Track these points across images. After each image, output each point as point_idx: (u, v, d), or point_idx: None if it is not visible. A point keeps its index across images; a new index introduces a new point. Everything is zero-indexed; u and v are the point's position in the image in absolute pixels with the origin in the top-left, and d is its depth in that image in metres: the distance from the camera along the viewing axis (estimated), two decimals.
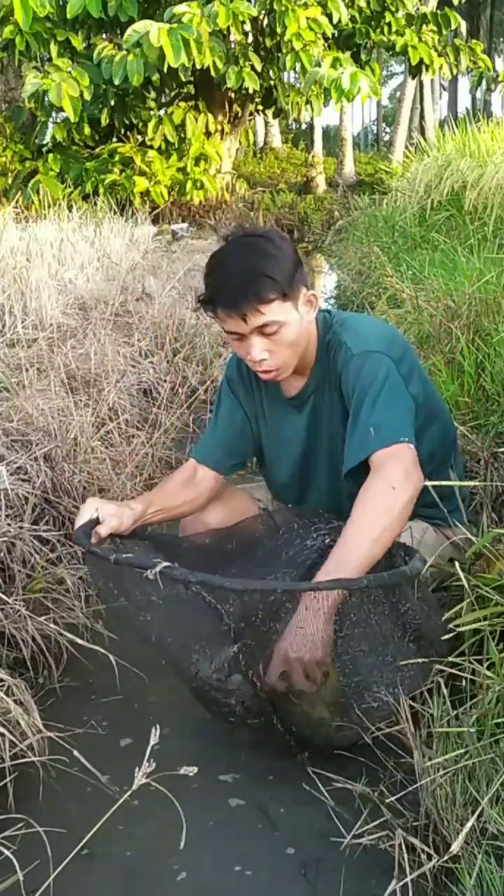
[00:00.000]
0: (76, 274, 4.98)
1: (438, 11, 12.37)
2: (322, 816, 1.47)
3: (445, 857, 1.28)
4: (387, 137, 28.96)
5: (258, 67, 10.19)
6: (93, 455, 2.63)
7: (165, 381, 3.59)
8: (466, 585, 1.46)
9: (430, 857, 1.29)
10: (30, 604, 1.96)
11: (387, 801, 1.40)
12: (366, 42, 12.04)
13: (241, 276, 1.58)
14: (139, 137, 10.82)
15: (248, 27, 10.08)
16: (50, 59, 9.47)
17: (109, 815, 1.20)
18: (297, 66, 9.83)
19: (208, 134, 11.25)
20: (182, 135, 10.94)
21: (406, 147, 13.27)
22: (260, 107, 12.77)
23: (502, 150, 6.25)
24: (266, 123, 21.98)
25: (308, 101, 11.43)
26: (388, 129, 30.50)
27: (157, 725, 1.12)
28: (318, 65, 9.75)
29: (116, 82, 9.12)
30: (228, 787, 1.61)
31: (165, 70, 9.04)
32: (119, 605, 1.60)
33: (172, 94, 11.67)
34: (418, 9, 12.21)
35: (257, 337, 1.62)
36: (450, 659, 1.45)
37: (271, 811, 1.53)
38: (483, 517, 1.88)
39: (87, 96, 9.28)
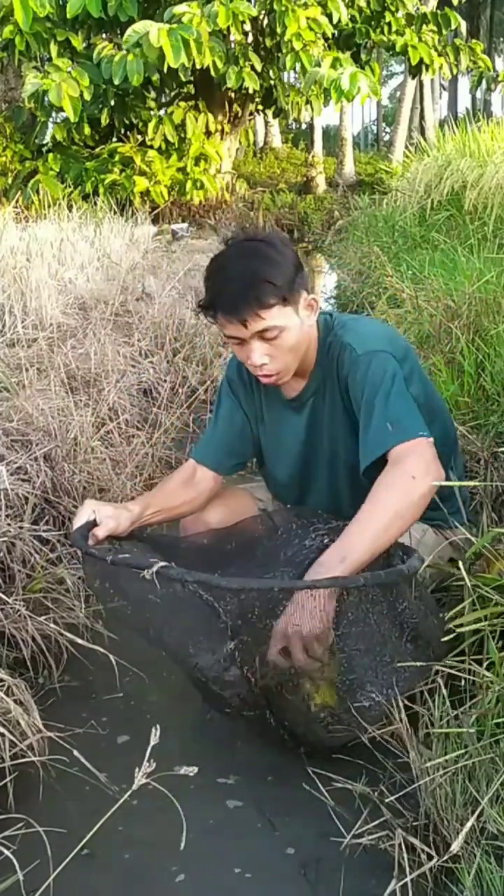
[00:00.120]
0: (76, 274, 4.98)
1: (438, 11, 12.36)
2: (322, 816, 1.47)
3: (445, 857, 1.28)
4: (387, 137, 28.96)
5: (258, 67, 10.19)
6: (93, 455, 2.63)
7: (165, 381, 3.59)
8: (467, 585, 1.46)
9: (429, 857, 1.30)
10: (30, 604, 1.96)
11: (387, 801, 1.40)
12: (366, 42, 12.04)
13: (241, 280, 1.58)
14: (139, 137, 10.82)
15: (248, 27, 10.07)
16: (50, 59, 9.47)
17: (109, 815, 1.20)
18: (297, 66, 9.83)
19: (208, 134, 11.25)
20: (182, 135, 10.94)
21: (406, 147, 13.27)
22: (260, 107, 12.77)
23: (502, 150, 6.26)
24: (266, 123, 21.98)
25: (308, 101, 11.43)
26: (388, 129, 30.51)
27: (157, 725, 1.12)
28: (319, 65, 9.75)
29: (116, 82, 9.12)
30: (228, 787, 1.61)
31: (165, 70, 9.04)
32: (117, 604, 1.60)
33: (172, 93, 11.67)
34: (418, 9, 12.20)
35: (258, 342, 1.62)
36: (450, 660, 1.45)
37: (271, 811, 1.53)
38: (483, 517, 1.88)
39: (87, 96, 9.28)
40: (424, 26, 11.95)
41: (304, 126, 24.11)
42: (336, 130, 18.65)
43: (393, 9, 11.56)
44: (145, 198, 9.99)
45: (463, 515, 1.79)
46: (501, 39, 36.44)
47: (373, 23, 11.71)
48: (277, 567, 1.75)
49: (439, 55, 12.06)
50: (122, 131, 11.06)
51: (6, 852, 1.31)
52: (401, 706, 1.41)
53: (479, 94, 26.07)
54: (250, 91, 10.34)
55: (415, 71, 12.35)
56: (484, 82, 13.13)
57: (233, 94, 11.19)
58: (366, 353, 1.65)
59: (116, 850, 1.46)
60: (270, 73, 11.39)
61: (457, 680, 1.45)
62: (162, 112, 11.29)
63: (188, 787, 1.50)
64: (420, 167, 7.24)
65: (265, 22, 10.39)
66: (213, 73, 9.63)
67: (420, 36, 11.82)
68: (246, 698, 1.53)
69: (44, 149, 10.82)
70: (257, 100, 12.01)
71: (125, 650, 1.90)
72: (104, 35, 10.47)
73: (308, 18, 9.69)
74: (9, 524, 2.09)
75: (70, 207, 7.40)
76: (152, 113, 11.02)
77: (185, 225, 9.56)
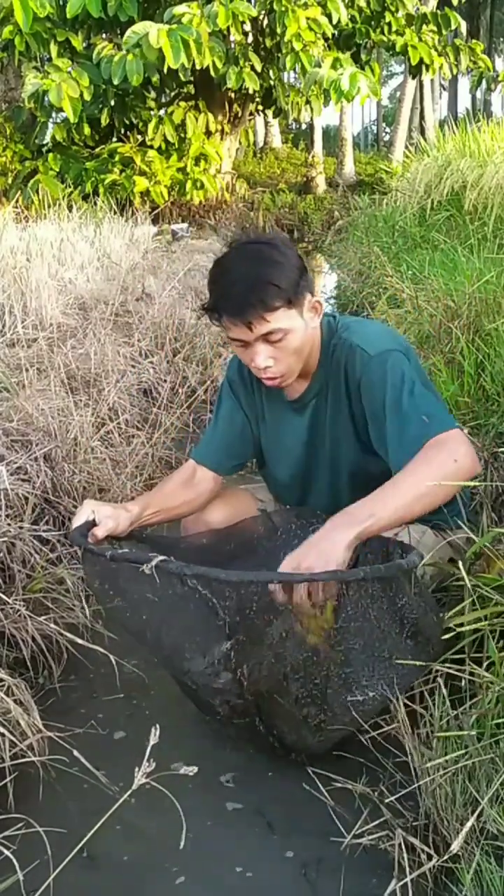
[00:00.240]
0: (76, 274, 4.98)
1: (438, 11, 12.37)
2: (322, 816, 1.47)
3: (445, 857, 1.28)
4: (387, 137, 28.97)
5: (258, 67, 10.19)
6: (93, 455, 2.63)
7: (165, 381, 3.60)
8: (467, 585, 1.46)
9: (429, 857, 1.30)
10: (30, 604, 1.96)
11: (387, 801, 1.40)
12: (366, 42, 12.05)
13: (246, 283, 1.58)
14: (139, 137, 10.82)
15: (247, 27, 10.08)
16: (50, 60, 9.47)
17: (109, 815, 1.20)
18: (297, 66, 9.83)
19: (208, 134, 11.25)
20: (182, 135, 10.94)
21: (406, 147, 13.28)
22: (260, 107, 12.78)
23: (502, 150, 6.26)
24: (266, 123, 21.99)
25: (308, 102, 11.44)
26: (388, 129, 30.51)
27: (157, 725, 1.12)
28: (319, 65, 9.75)
29: (116, 82, 9.12)
30: (228, 787, 1.61)
31: (165, 70, 9.04)
32: (116, 605, 1.60)
33: (172, 94, 11.67)
34: (418, 9, 12.21)
35: (262, 344, 1.62)
36: (449, 660, 1.45)
37: (271, 811, 1.53)
38: (483, 517, 1.88)
39: (87, 96, 9.28)
40: (424, 26, 11.95)
41: (304, 126, 24.11)
42: (336, 130, 18.65)
43: (393, 9, 11.57)
44: (145, 198, 9.99)
45: (463, 516, 1.79)
46: (501, 39, 36.45)
47: (373, 23, 11.72)
48: (276, 568, 1.75)
49: (439, 55, 12.07)
50: (122, 131, 11.06)
51: (6, 852, 1.31)
52: (401, 706, 1.41)
53: (479, 94, 26.10)
54: (250, 91, 10.34)
55: (415, 71, 12.36)
56: (484, 82, 13.14)
57: (233, 95, 11.19)
58: (378, 353, 1.65)
59: (116, 850, 1.46)
60: (270, 73, 11.40)
61: (457, 680, 1.45)
62: (162, 112, 11.29)
63: (188, 786, 1.50)
64: (420, 167, 7.24)
65: (265, 22, 10.39)
66: (213, 73, 9.63)
67: (420, 36, 11.82)
68: (235, 706, 1.53)
69: (44, 149, 10.82)
70: (257, 100, 12.01)
71: (125, 650, 1.90)
72: (104, 35, 10.47)
73: (308, 19, 9.69)
74: (9, 524, 2.09)
75: (70, 207, 7.40)
76: (152, 113, 11.03)
77: (185, 225, 9.56)
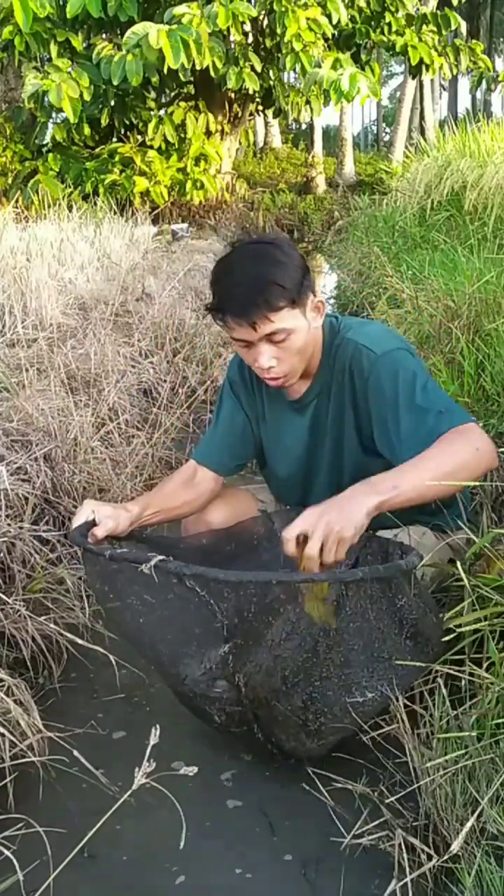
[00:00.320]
0: (76, 274, 4.98)
1: (438, 12, 12.36)
2: (322, 816, 1.47)
3: (445, 857, 1.28)
4: (387, 137, 28.98)
5: (258, 68, 10.19)
6: (93, 455, 2.63)
7: (165, 381, 3.59)
8: (467, 585, 1.46)
9: (430, 857, 1.30)
10: (30, 604, 1.96)
11: (387, 801, 1.40)
12: (366, 42, 12.04)
13: (250, 283, 1.58)
14: (139, 137, 10.82)
15: (247, 28, 10.08)
16: (50, 60, 9.47)
17: (109, 815, 1.20)
18: (297, 66, 9.83)
19: (208, 134, 11.25)
20: (182, 135, 10.94)
21: (406, 147, 13.28)
22: (260, 107, 12.78)
23: (502, 151, 6.26)
24: (266, 123, 22.00)
25: (308, 102, 11.44)
26: (388, 130, 30.52)
27: (157, 725, 1.12)
28: (319, 65, 9.75)
29: (115, 82, 9.12)
30: (228, 787, 1.61)
31: (165, 71, 9.04)
32: (116, 605, 1.60)
33: (172, 94, 11.67)
34: (418, 9, 12.21)
35: (266, 344, 1.62)
36: (449, 660, 1.45)
37: (271, 811, 1.53)
38: (483, 517, 1.88)
39: (87, 97, 9.28)
40: (424, 27, 11.95)
41: (304, 126, 24.12)
42: (336, 131, 18.66)
43: (393, 9, 11.56)
44: (145, 198, 9.99)
45: (464, 518, 1.79)
46: (501, 39, 36.46)
47: (373, 23, 11.72)
48: (276, 569, 1.75)
49: (439, 55, 12.07)
50: (122, 131, 11.06)
51: (6, 852, 1.31)
52: (401, 706, 1.41)
53: (479, 95, 26.11)
54: (250, 91, 10.34)
55: (415, 71, 12.36)
56: (484, 82, 13.14)
57: (233, 95, 11.19)
58: (385, 352, 1.65)
59: (116, 850, 1.46)
60: (270, 73, 11.40)
61: (457, 680, 1.45)
62: (162, 112, 11.29)
63: (188, 787, 1.50)
64: (420, 167, 7.24)
65: (265, 22, 10.39)
66: (213, 73, 9.63)
67: (420, 36, 11.82)
68: (232, 714, 1.52)
69: (44, 149, 10.82)
70: (257, 100, 12.01)
71: (125, 650, 1.89)
72: (104, 35, 10.47)
73: (308, 19, 9.69)
74: (9, 524, 2.09)
75: (70, 207, 7.40)
76: (152, 113, 11.03)
77: (185, 225, 9.56)
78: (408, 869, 1.27)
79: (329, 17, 10.16)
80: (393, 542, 1.59)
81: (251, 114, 13.30)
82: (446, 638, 1.46)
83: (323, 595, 1.38)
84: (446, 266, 4.29)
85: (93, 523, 1.63)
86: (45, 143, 11.06)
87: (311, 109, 11.75)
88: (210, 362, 4.06)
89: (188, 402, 3.45)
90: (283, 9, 9.56)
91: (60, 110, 9.38)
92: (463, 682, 1.43)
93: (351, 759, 1.52)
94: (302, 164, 18.40)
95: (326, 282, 8.18)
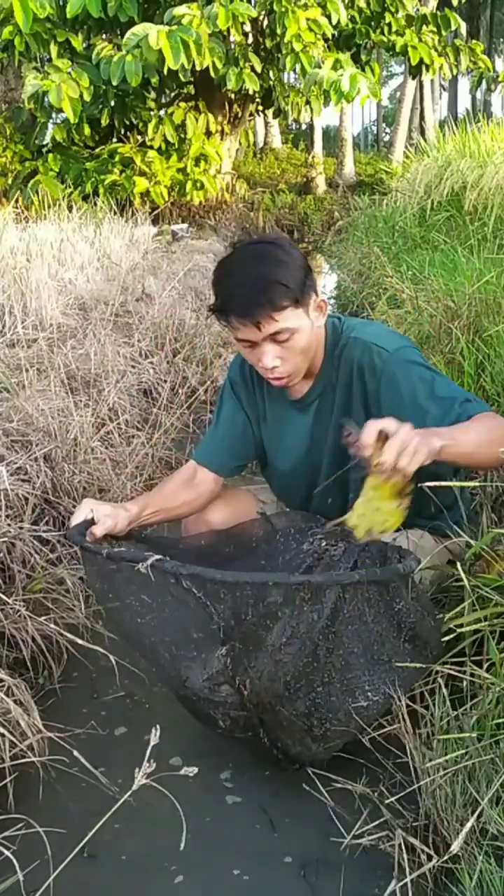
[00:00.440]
0: (76, 274, 4.98)
1: (438, 12, 12.36)
2: (322, 817, 1.47)
3: (445, 858, 1.28)
4: (387, 138, 28.98)
5: (258, 68, 10.18)
6: (93, 455, 2.64)
7: (165, 381, 3.60)
8: (467, 586, 1.46)
9: (429, 858, 1.30)
10: (30, 604, 1.96)
11: (387, 801, 1.40)
12: (366, 42, 12.04)
13: (253, 283, 1.58)
14: (139, 138, 10.82)
15: (247, 28, 10.06)
16: (50, 60, 9.47)
17: (109, 815, 1.21)
18: (297, 67, 9.83)
19: (208, 134, 11.25)
20: (182, 135, 10.93)
21: (406, 147, 13.27)
22: (260, 107, 12.78)
23: (502, 151, 6.26)
24: (266, 124, 22.00)
25: (308, 102, 11.44)
26: (388, 130, 30.52)
27: (157, 725, 1.12)
28: (319, 66, 9.75)
29: (114, 83, 9.11)
30: (228, 787, 1.61)
31: (165, 71, 9.04)
32: (115, 607, 1.60)
33: (172, 94, 11.67)
34: (418, 10, 12.21)
35: (270, 344, 1.62)
36: (449, 661, 1.45)
37: (271, 812, 1.54)
38: (483, 518, 1.88)
39: (87, 97, 9.27)
40: (424, 27, 11.95)
41: (304, 126, 24.10)
42: (336, 131, 18.66)
43: (393, 10, 11.56)
44: (145, 198, 9.99)
45: (464, 520, 1.79)
46: (501, 40, 36.47)
47: (372, 23, 11.71)
48: (275, 571, 1.75)
49: (439, 56, 12.06)
50: (122, 132, 11.05)
51: (6, 852, 1.31)
52: (403, 705, 1.41)
53: (479, 95, 26.12)
54: (250, 92, 10.33)
55: (415, 71, 12.35)
56: (484, 83, 13.12)
57: (233, 95, 11.18)
58: (397, 349, 1.67)
59: (116, 850, 1.46)
60: (270, 73, 11.39)
61: (457, 680, 1.45)
62: (162, 112, 11.29)
63: (188, 787, 1.50)
64: (420, 168, 7.24)
65: (265, 23, 10.38)
66: (212, 74, 9.62)
67: (420, 36, 11.81)
68: (237, 719, 1.51)
69: (44, 149, 10.81)
70: (257, 100, 12.01)
71: (125, 650, 1.89)
72: (104, 36, 10.47)
73: (308, 19, 9.68)
74: (9, 524, 2.09)
75: (70, 208, 7.40)
76: (152, 113, 11.02)
77: (185, 225, 9.56)
78: (408, 869, 1.27)
79: (329, 17, 10.15)
80: (391, 547, 1.59)
81: (251, 114, 13.29)
82: (446, 638, 1.46)
83: (397, 490, 1.38)
84: (446, 266, 4.29)
85: (91, 522, 1.63)
86: (45, 143, 11.05)
87: (311, 110, 11.73)
88: (210, 362, 4.06)
89: (188, 403, 3.45)
90: (283, 9, 9.55)
91: (60, 110, 9.37)
92: (463, 682, 1.43)
93: (351, 759, 1.52)
94: (302, 164, 18.40)
95: (326, 282, 8.18)
